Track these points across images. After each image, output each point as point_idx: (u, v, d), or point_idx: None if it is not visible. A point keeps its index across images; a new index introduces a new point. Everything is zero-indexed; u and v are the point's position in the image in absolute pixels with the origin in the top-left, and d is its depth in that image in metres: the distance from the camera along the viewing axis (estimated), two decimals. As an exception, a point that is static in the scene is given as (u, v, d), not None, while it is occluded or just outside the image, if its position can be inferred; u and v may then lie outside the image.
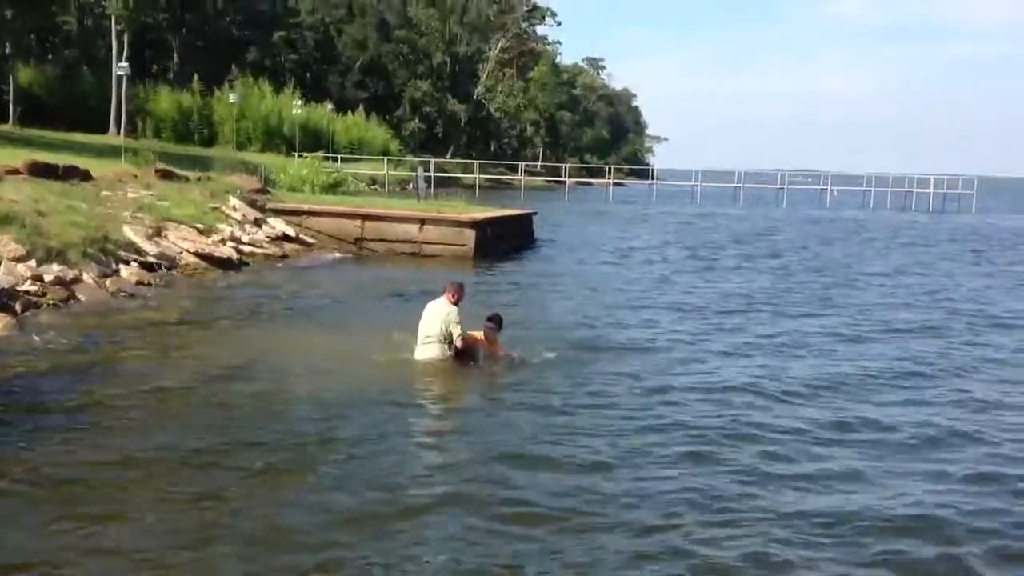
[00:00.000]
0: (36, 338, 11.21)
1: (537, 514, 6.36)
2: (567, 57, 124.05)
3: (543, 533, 6.06)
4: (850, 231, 39.50)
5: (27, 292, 13.22)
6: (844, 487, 7.18)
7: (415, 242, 23.13)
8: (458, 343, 10.15)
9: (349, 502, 6.47)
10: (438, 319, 10.15)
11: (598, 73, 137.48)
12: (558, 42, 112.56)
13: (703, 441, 8.12)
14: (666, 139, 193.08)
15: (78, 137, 37.78)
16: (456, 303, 10.32)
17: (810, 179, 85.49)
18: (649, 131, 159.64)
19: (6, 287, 12.84)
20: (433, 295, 10.90)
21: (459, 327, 10.12)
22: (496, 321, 10.65)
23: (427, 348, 10.20)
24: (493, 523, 6.19)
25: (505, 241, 24.75)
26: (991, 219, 53.37)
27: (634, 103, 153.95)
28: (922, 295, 19.14)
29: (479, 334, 10.54)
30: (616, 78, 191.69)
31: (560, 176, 71.36)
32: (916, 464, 7.84)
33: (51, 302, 13.32)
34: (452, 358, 10.28)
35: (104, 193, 20.02)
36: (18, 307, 12.62)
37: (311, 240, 23.23)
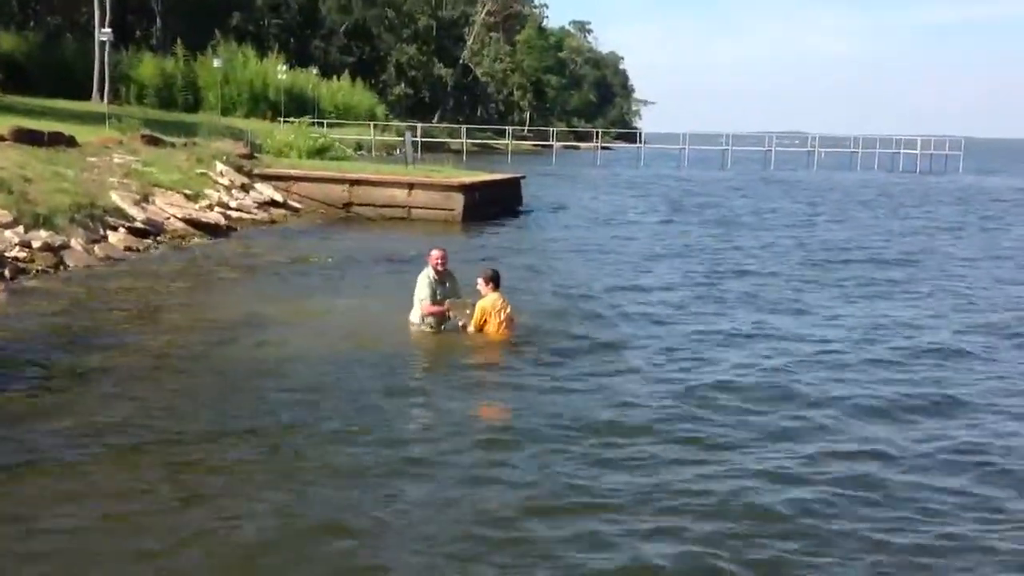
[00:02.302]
0: (24, 303, 11.25)
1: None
2: (553, 21, 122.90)
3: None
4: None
5: (15, 258, 13.23)
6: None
7: (403, 206, 23.12)
8: (421, 309, 10.27)
9: (344, 457, 6.64)
10: (416, 285, 10.45)
11: (585, 36, 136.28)
12: (544, 5, 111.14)
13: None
14: (653, 103, 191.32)
15: (61, 104, 37.40)
16: (437, 268, 10.37)
17: (797, 141, 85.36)
18: (636, 95, 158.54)
19: (-6, 253, 12.85)
20: (421, 258, 10.95)
21: (425, 290, 10.23)
22: (487, 276, 10.23)
23: (413, 312, 10.49)
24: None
25: (493, 205, 24.73)
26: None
27: (621, 66, 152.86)
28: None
29: (491, 304, 10.07)
30: (603, 41, 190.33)
31: (547, 140, 71.01)
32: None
33: (40, 268, 13.35)
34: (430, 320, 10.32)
35: (90, 159, 19.93)
36: (7, 273, 12.65)
37: (299, 205, 23.21)
